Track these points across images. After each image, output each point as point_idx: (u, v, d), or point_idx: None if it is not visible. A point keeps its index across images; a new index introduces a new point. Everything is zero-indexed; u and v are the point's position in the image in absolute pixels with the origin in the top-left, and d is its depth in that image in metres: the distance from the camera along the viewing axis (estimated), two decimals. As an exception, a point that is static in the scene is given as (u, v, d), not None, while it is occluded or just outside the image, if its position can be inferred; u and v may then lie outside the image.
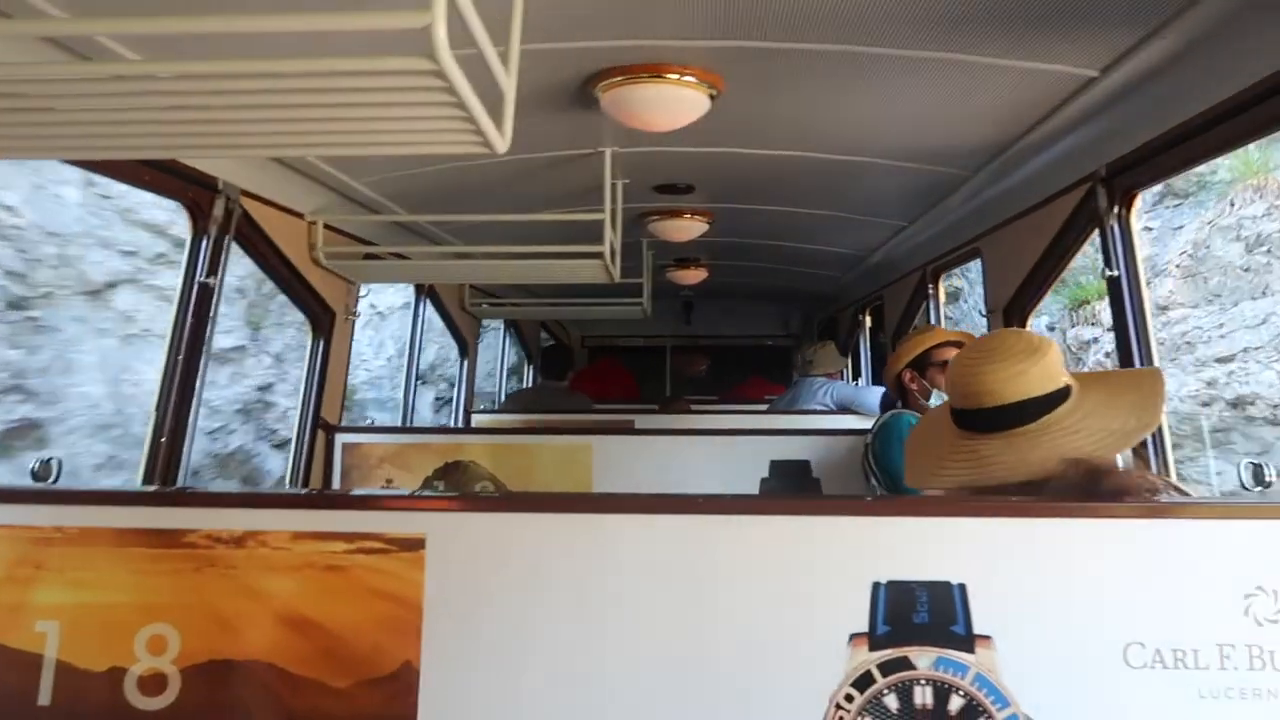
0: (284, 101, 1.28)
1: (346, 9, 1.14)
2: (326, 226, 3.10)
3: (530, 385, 7.10)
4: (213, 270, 2.50)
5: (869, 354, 6.27)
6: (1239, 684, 1.18)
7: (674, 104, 2.37)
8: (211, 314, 2.51)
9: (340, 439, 3.28)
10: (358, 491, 2.96)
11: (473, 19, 1.23)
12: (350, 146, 1.48)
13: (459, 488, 3.20)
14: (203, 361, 2.47)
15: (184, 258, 2.53)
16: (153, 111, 1.35)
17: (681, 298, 7.32)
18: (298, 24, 1.14)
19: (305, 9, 1.14)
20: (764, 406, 5.88)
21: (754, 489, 3.10)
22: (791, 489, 3.07)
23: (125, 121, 1.40)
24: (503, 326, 6.49)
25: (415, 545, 1.26)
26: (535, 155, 3.05)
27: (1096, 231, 2.48)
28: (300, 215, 3.03)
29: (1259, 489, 1.85)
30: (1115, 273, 2.34)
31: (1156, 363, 2.27)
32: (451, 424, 5.25)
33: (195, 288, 2.47)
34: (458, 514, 1.29)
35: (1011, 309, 3.14)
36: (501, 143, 1.41)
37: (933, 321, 4.19)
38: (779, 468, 3.12)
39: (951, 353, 2.71)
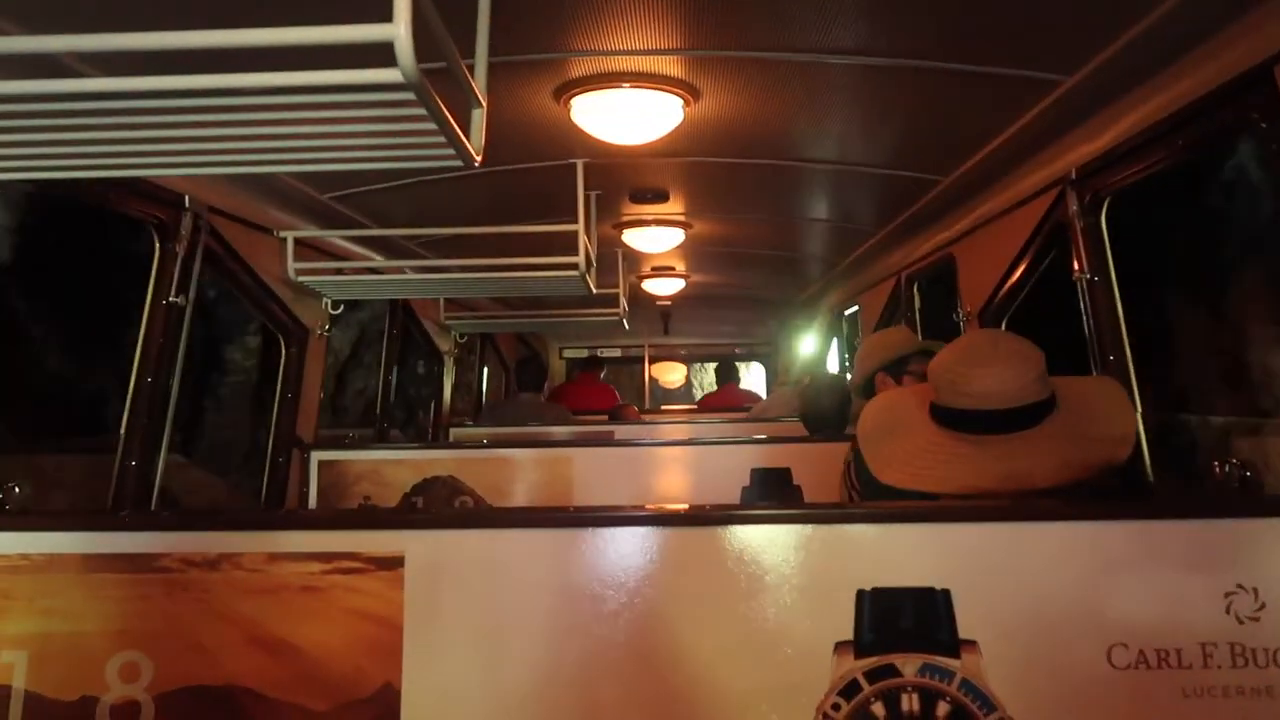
0: (252, 117, 1.27)
1: (310, 23, 1.12)
2: (298, 242, 3.06)
3: (507, 398, 7.07)
4: (181, 289, 2.47)
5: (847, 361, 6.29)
6: (1223, 682, 1.18)
7: (645, 114, 2.37)
8: (182, 334, 2.47)
9: (315, 456, 3.23)
10: (334, 511, 2.91)
11: (440, 30, 1.22)
12: (320, 162, 1.46)
13: (438, 503, 3.17)
14: (174, 382, 2.43)
15: (151, 277, 2.48)
16: (116, 130, 1.32)
17: (658, 308, 7.33)
18: (262, 38, 1.13)
19: (269, 23, 1.13)
20: (740, 414, 5.89)
21: (735, 497, 3.09)
22: (773, 497, 3.06)
23: (88, 140, 1.37)
24: (479, 339, 6.45)
25: (394, 564, 1.24)
26: (506, 167, 3.04)
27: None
28: (270, 231, 2.99)
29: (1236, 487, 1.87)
30: (1087, 276, 2.36)
31: (1130, 365, 2.28)
32: (429, 438, 5.21)
33: (164, 308, 2.42)
34: (436, 531, 1.28)
35: (985, 314, 3.15)
36: (473, 155, 1.40)
37: (914, 327, 4.20)
38: (760, 476, 3.11)
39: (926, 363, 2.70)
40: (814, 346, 6.90)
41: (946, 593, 1.21)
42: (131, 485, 2.30)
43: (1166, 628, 1.20)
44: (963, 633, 1.20)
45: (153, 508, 2.36)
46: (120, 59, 1.83)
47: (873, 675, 1.19)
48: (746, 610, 1.23)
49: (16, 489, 2.02)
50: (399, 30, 1.05)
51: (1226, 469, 1.86)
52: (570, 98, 2.33)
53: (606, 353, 8.29)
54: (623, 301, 4.53)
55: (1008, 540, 1.25)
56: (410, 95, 1.15)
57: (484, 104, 1.47)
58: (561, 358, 8.42)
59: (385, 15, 1.08)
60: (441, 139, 1.34)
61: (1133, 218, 2.35)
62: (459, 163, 1.42)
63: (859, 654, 1.20)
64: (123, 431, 2.35)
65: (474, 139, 1.43)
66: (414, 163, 1.42)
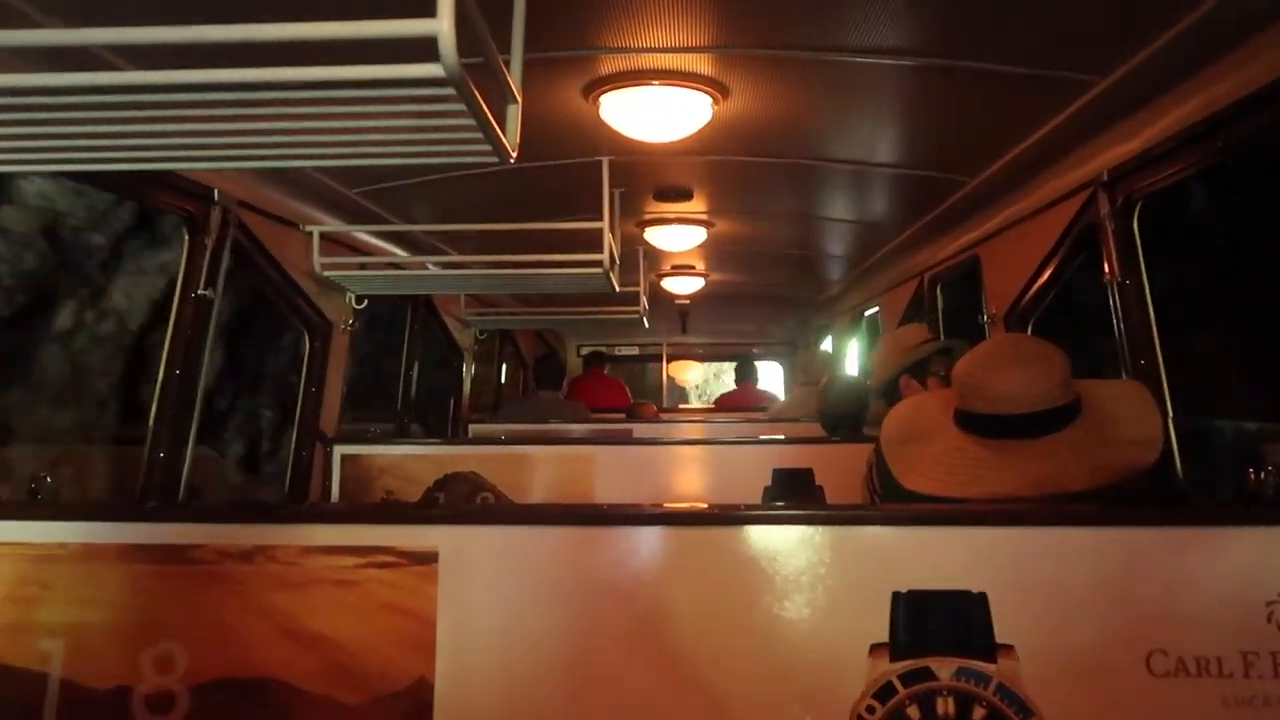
0: (289, 111, 1.27)
1: (350, 18, 1.12)
2: (324, 237, 3.07)
3: (525, 395, 7.09)
4: (210, 283, 2.48)
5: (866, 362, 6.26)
6: (1264, 692, 1.17)
7: (674, 111, 2.36)
8: (210, 326, 2.48)
9: (338, 450, 3.25)
10: (368, 506, 2.92)
11: (480, 25, 1.22)
12: (357, 157, 1.46)
13: (459, 499, 3.17)
14: (201, 374, 2.44)
15: (180, 271, 2.50)
16: (150, 124, 1.32)
17: (677, 307, 7.33)
18: (301, 31, 1.13)
19: (299, 18, 1.13)
20: (759, 414, 5.87)
21: (757, 498, 3.08)
22: (795, 498, 3.05)
23: (121, 134, 1.37)
24: (498, 336, 6.47)
25: (428, 559, 1.24)
26: (532, 164, 3.04)
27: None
28: (296, 226, 3.00)
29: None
30: (1118, 279, 2.33)
31: (1161, 370, 2.25)
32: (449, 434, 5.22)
33: (193, 300, 2.44)
34: (471, 527, 1.28)
35: (1011, 316, 3.13)
36: (509, 150, 1.40)
37: (938, 330, 4.17)
38: (782, 476, 3.10)
39: (948, 362, 2.66)
40: (833, 347, 6.88)
41: (983, 596, 1.20)
42: (159, 477, 2.32)
43: (1207, 636, 1.18)
44: (999, 637, 1.19)
45: (180, 499, 2.37)
46: (155, 52, 1.84)
47: (908, 678, 1.18)
48: (780, 611, 1.23)
49: (48, 478, 2.04)
50: (443, 25, 1.05)
51: (1261, 476, 1.84)
52: (599, 95, 2.32)
53: (624, 350, 8.30)
54: (643, 300, 4.52)
55: (1045, 544, 1.24)
56: (450, 90, 1.15)
57: (519, 100, 1.47)
58: (579, 356, 8.43)
59: (416, 10, 1.08)
60: (479, 134, 1.34)
61: (1166, 221, 2.32)
62: (494, 159, 1.42)
63: (894, 656, 1.19)
64: (151, 423, 2.37)
65: (510, 135, 1.43)
66: (450, 158, 1.42)
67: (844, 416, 3.74)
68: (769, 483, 3.16)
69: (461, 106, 1.23)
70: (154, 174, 2.25)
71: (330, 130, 1.31)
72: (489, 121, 1.28)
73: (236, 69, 1.15)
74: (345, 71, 1.15)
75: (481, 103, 1.24)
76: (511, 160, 1.41)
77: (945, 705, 1.17)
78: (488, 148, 1.37)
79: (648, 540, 1.29)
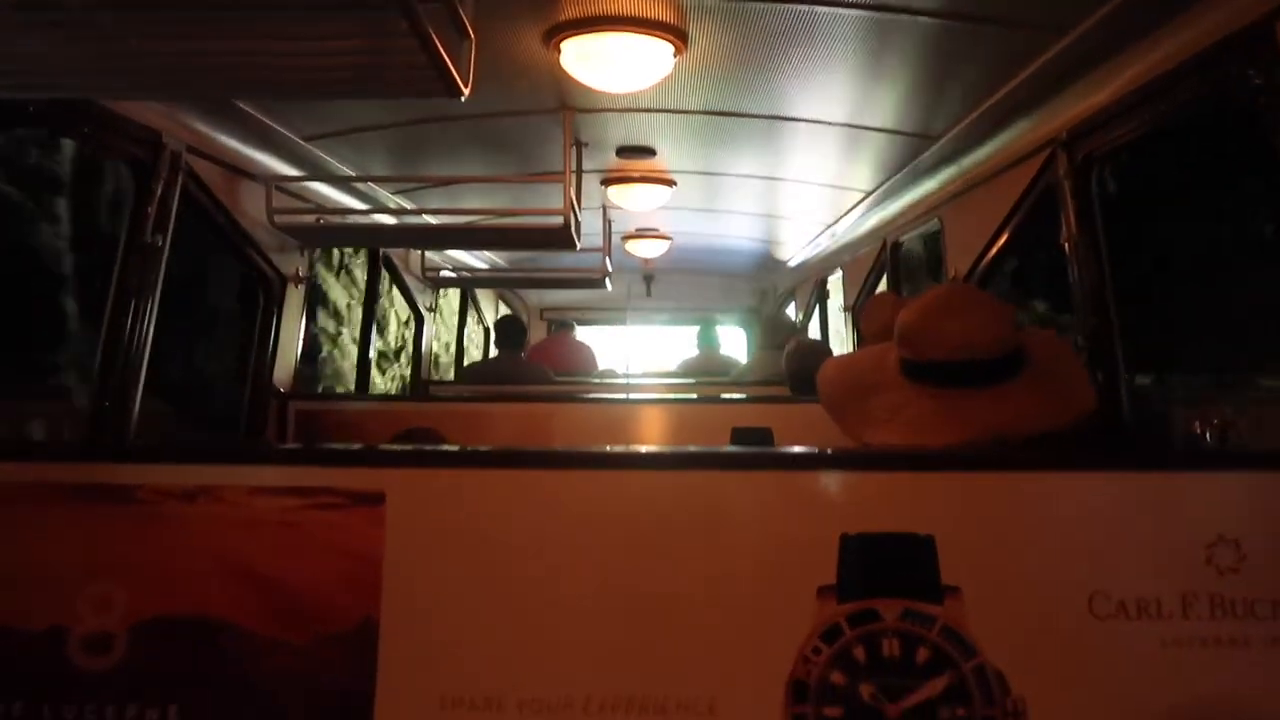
0: (225, 31, 1.22)
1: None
2: (279, 188, 3.00)
3: (487, 357, 7.03)
4: (159, 230, 2.41)
5: (828, 326, 6.29)
6: (1201, 633, 1.19)
7: (635, 60, 2.32)
8: (159, 275, 2.41)
9: (294, 406, 3.20)
10: (315, 447, 2.89)
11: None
12: (301, 85, 1.41)
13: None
14: (148, 323, 2.38)
15: (127, 217, 2.42)
16: (71, 44, 1.25)
17: (641, 271, 7.29)
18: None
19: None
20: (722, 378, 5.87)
21: (716, 456, 3.09)
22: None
23: (30, 55, 1.29)
24: (459, 295, 6.40)
25: (375, 500, 1.22)
26: (493, 114, 2.98)
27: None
28: (251, 176, 2.93)
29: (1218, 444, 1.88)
30: (1075, 238, 2.34)
31: (1115, 328, 2.27)
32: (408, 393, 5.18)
33: (141, 247, 2.37)
34: (418, 470, 1.26)
35: (971, 278, 3.15)
36: (460, 85, 1.36)
37: (898, 293, 4.19)
38: (741, 435, 3.11)
39: None
40: (797, 312, 6.89)
41: (930, 539, 1.21)
42: (105, 427, 2.26)
43: (1148, 578, 1.20)
44: (946, 579, 1.20)
45: (127, 450, 2.32)
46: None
47: (854, 620, 1.19)
48: (729, 553, 1.23)
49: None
50: (389, -55, 1.02)
51: (1206, 427, 1.87)
52: (560, 41, 2.28)
53: (593, 315, 8.25)
54: (606, 262, 4.50)
55: (992, 488, 1.25)
56: (394, 13, 1.12)
57: (473, 36, 1.43)
58: (542, 319, 8.37)
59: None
60: (430, 70, 1.30)
61: (1121, 180, 2.34)
62: (447, 95, 1.38)
63: (841, 598, 1.20)
64: (96, 373, 2.30)
65: (461, 70, 1.39)
66: (398, 91, 1.38)
67: (811, 376, 3.78)
68: (729, 441, 3.17)
69: (409, 37, 1.19)
70: (97, 115, 2.17)
71: (270, 53, 1.26)
72: (438, 52, 1.24)
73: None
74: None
75: (430, 32, 1.20)
76: (464, 95, 1.37)
77: (890, 646, 1.18)
78: (441, 82, 1.34)
79: (599, 484, 1.28)
